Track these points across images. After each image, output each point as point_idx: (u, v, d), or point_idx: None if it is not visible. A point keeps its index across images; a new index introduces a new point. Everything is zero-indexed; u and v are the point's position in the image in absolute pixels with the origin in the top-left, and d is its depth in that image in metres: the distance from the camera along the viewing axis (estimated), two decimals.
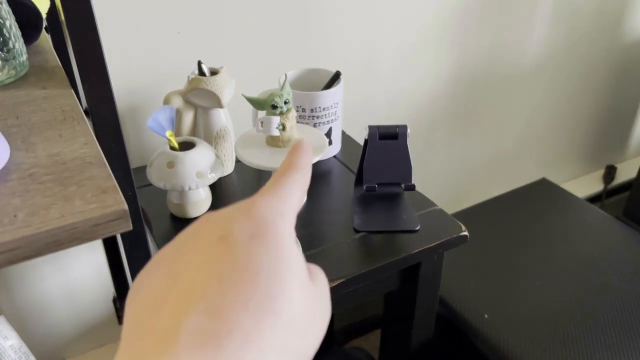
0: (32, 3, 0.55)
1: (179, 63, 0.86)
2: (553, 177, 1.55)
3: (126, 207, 0.34)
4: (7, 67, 0.48)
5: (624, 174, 1.64)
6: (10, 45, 0.47)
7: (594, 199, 1.58)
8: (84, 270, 0.95)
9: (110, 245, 0.84)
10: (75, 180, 0.37)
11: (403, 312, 0.81)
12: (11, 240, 0.32)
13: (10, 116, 0.44)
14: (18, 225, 0.33)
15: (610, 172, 1.60)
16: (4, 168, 0.37)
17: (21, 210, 0.34)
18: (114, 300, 0.94)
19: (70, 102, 0.47)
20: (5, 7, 0.47)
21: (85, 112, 0.48)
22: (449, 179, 1.33)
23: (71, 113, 0.45)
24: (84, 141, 0.41)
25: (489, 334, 0.87)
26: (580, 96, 1.44)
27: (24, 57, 0.50)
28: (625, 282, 0.96)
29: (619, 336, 0.86)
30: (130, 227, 0.35)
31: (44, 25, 0.57)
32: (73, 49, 0.45)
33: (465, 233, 0.72)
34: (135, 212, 0.47)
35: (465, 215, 1.13)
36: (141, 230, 0.50)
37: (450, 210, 1.35)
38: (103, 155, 0.39)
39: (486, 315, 0.89)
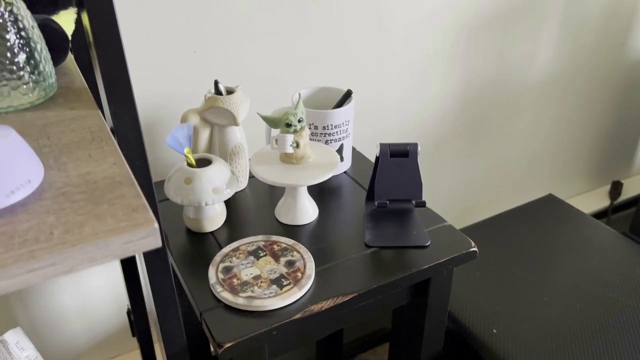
0: (60, 26, 0.58)
1: (195, 82, 0.88)
2: (559, 193, 1.56)
3: (157, 225, 0.36)
4: (37, 88, 0.50)
5: (630, 190, 1.64)
6: (41, 67, 0.50)
7: (600, 215, 1.59)
8: (98, 282, 0.97)
9: (126, 258, 0.85)
10: (106, 199, 0.39)
11: (412, 326, 0.82)
12: (49, 257, 0.34)
13: (42, 136, 0.46)
14: (54, 242, 0.35)
15: (616, 188, 1.61)
16: (38, 187, 0.39)
17: (57, 228, 0.36)
18: (128, 313, 0.95)
19: (98, 122, 0.49)
20: (37, 32, 0.50)
21: (111, 130, 0.50)
22: (456, 195, 1.35)
23: (99, 133, 0.47)
24: (113, 161, 0.43)
25: (497, 349, 0.88)
26: (587, 112, 1.46)
27: (53, 78, 0.52)
28: (632, 298, 0.97)
29: (626, 352, 0.87)
30: (160, 244, 0.36)
31: (70, 47, 0.60)
32: (100, 71, 0.47)
33: (475, 249, 0.73)
34: (159, 228, 0.49)
35: (473, 231, 1.15)
36: (162, 245, 0.52)
37: (458, 226, 1.37)
38: (132, 175, 0.41)
39: (495, 330, 0.91)
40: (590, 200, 1.61)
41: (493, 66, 1.20)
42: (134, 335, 0.97)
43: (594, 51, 1.34)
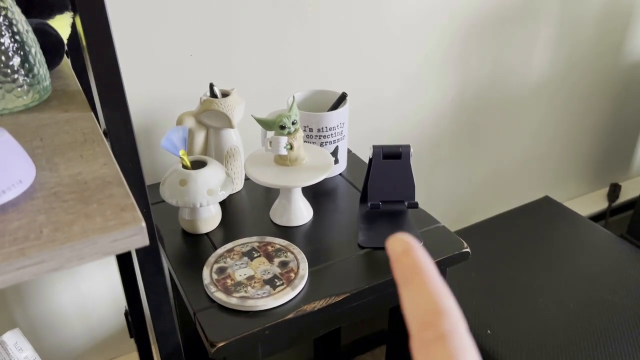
0: (55, 30, 0.59)
1: (191, 85, 0.89)
2: (556, 196, 1.56)
3: (144, 223, 0.37)
4: (31, 91, 0.51)
5: (628, 192, 1.65)
6: (35, 70, 0.51)
7: (598, 217, 1.59)
8: (96, 284, 0.98)
9: (123, 260, 0.86)
10: (96, 198, 0.39)
11: (406, 327, 0.82)
12: (38, 254, 0.35)
13: (35, 138, 0.47)
14: (44, 240, 0.35)
15: (614, 190, 1.62)
16: (30, 187, 0.40)
17: (46, 227, 0.37)
18: (126, 314, 0.96)
19: (90, 124, 0.50)
20: (32, 35, 0.51)
21: (104, 132, 0.51)
22: (452, 197, 1.35)
23: (91, 135, 0.48)
24: (104, 162, 0.44)
25: (491, 349, 0.88)
26: (584, 114, 1.46)
27: (47, 82, 0.53)
28: (628, 299, 0.97)
29: (622, 353, 0.87)
30: (147, 243, 0.37)
31: (65, 51, 0.60)
32: (93, 74, 0.48)
33: (467, 250, 0.74)
34: (150, 228, 0.50)
35: (469, 233, 1.15)
36: (155, 245, 0.53)
37: (454, 227, 1.37)
38: (122, 175, 0.42)
39: (489, 331, 0.91)
40: (588, 203, 1.61)
41: (489, 68, 1.21)
42: (131, 336, 0.98)
43: (590, 53, 1.35)
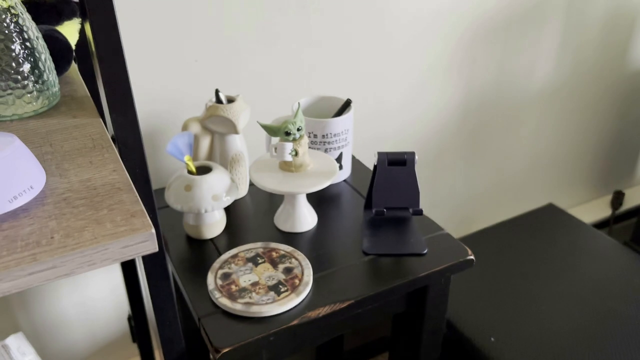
0: (64, 36, 0.59)
1: (196, 91, 0.90)
2: (560, 203, 1.57)
3: (154, 230, 0.37)
4: (41, 97, 0.51)
5: (632, 200, 1.65)
6: (45, 77, 0.51)
7: (602, 225, 1.59)
8: (99, 289, 0.98)
9: (127, 265, 0.86)
10: (106, 204, 0.40)
11: (411, 334, 0.83)
12: (49, 260, 0.35)
13: (45, 144, 0.48)
14: (55, 246, 0.36)
15: (618, 198, 1.61)
16: (40, 192, 0.41)
17: (57, 232, 0.37)
18: (129, 319, 0.96)
19: (99, 130, 0.50)
20: (42, 42, 0.51)
21: (112, 138, 0.51)
22: (456, 203, 1.36)
23: (100, 141, 0.48)
24: (113, 168, 0.44)
25: (495, 356, 0.88)
26: (588, 121, 1.46)
27: (57, 87, 0.54)
28: (632, 307, 0.97)
29: None
30: (157, 249, 0.37)
31: (73, 57, 0.61)
32: (102, 81, 0.48)
33: (472, 257, 0.74)
34: (157, 233, 0.50)
35: (473, 240, 1.15)
36: (161, 251, 0.53)
37: (458, 234, 1.37)
38: (131, 182, 0.42)
39: (492, 339, 0.91)
40: (592, 210, 1.61)
41: (493, 75, 1.21)
42: (134, 341, 0.98)
43: (595, 60, 1.35)
